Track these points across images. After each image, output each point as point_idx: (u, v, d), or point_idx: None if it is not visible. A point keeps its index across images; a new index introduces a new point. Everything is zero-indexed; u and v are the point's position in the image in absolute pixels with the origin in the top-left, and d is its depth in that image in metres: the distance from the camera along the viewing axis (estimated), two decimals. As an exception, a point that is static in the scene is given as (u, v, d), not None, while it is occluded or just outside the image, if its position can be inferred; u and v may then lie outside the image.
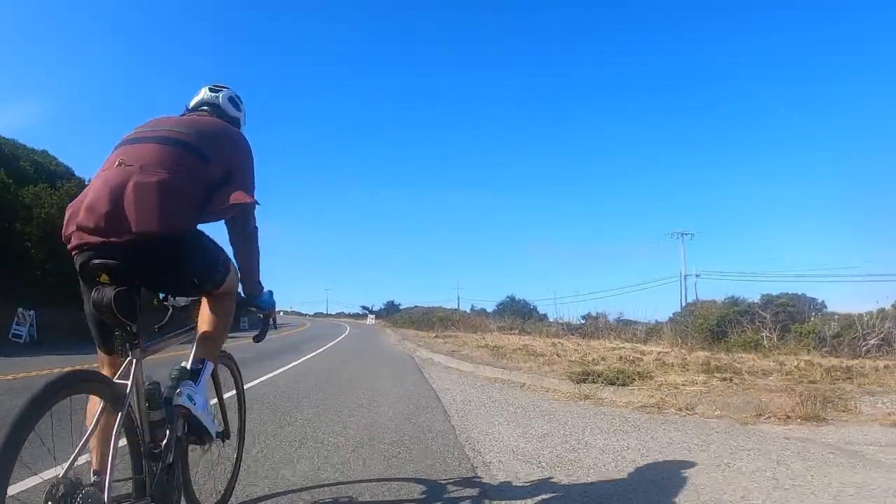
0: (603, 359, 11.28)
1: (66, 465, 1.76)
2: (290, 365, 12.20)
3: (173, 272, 2.24)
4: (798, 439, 4.93)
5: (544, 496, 3.43)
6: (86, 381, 1.93)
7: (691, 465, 4.08)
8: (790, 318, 20.90)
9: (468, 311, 68.52)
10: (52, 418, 1.74)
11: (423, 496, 3.46)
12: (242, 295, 2.70)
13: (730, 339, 18.96)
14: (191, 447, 2.53)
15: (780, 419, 5.78)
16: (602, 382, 7.63)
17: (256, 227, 2.58)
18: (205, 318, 2.54)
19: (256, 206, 2.49)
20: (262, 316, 2.85)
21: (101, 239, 2.02)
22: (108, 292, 2.00)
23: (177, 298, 2.64)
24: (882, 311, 18.27)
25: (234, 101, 2.85)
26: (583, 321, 31.30)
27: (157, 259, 2.11)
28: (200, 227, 2.33)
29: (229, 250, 2.57)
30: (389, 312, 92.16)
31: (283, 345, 20.07)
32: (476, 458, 4.25)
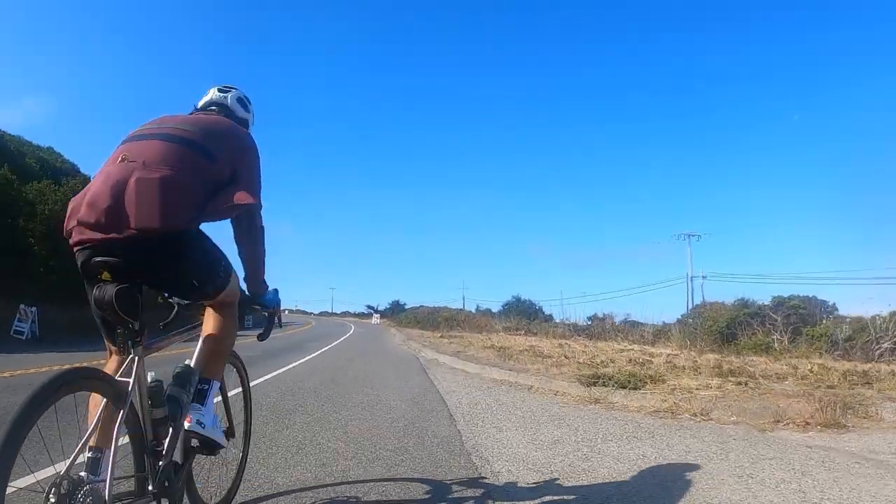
0: (612, 361, 11.07)
1: (67, 463, 1.76)
2: (293, 364, 12.03)
3: (173, 271, 2.20)
4: (820, 448, 4.73)
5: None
6: (86, 379, 1.90)
7: (712, 476, 3.86)
8: (801, 321, 20.64)
9: (473, 311, 68.52)
10: (57, 415, 1.75)
11: (427, 496, 3.42)
12: (247, 293, 2.69)
13: (740, 342, 18.71)
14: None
15: (799, 426, 5.57)
16: (613, 386, 7.39)
17: (262, 227, 2.57)
18: (208, 334, 2.50)
19: (261, 206, 2.49)
20: (267, 314, 2.84)
21: (101, 235, 2.00)
22: (110, 289, 1.99)
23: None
24: (895, 314, 18.01)
25: (243, 101, 2.84)
26: (589, 322, 31.17)
27: (157, 257, 2.08)
28: (204, 228, 2.31)
29: (234, 250, 2.57)
30: (395, 312, 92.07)
31: (286, 343, 19.95)
32: (484, 467, 4.05)
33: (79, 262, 2.08)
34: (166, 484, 2.21)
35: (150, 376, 2.21)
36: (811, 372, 9.16)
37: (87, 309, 2.13)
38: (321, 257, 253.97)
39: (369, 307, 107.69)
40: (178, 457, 2.37)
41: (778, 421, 5.69)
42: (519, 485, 3.66)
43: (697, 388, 7.24)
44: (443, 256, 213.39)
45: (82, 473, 1.86)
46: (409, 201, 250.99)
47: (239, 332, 2.66)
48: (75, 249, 2.08)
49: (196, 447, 2.43)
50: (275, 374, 9.92)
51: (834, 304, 31.07)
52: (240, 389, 3.23)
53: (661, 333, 23.06)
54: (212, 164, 2.28)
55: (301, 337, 27.15)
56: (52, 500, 1.67)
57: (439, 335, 27.20)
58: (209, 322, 2.53)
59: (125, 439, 2.07)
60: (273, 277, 2.74)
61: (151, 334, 2.27)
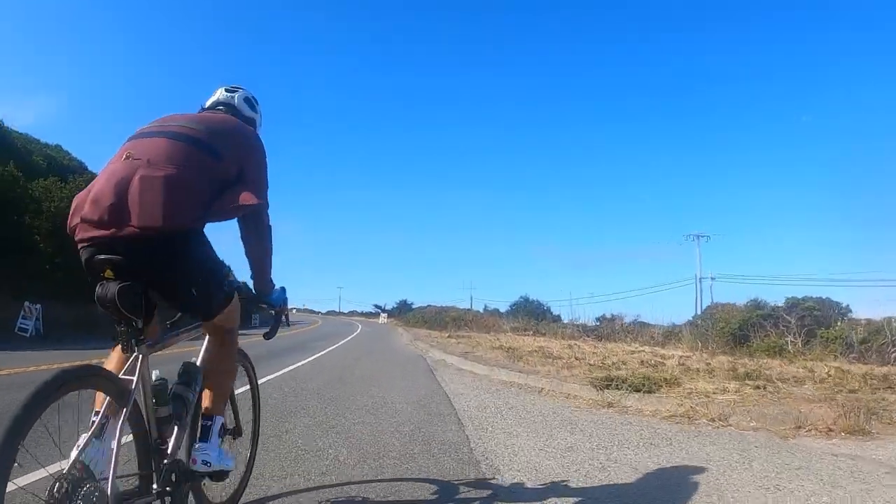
0: (624, 363, 10.84)
1: (70, 461, 1.76)
2: (298, 364, 11.88)
3: (174, 270, 2.16)
4: (846, 456, 4.49)
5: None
6: (87, 377, 1.90)
7: (737, 488, 3.63)
8: (815, 323, 20.26)
9: (481, 311, 68.19)
10: (60, 413, 1.78)
11: (434, 497, 3.38)
12: (254, 291, 2.67)
13: (752, 344, 18.37)
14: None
15: (821, 432, 5.32)
16: (626, 389, 7.15)
17: (269, 226, 2.54)
18: (207, 367, 2.47)
19: (267, 206, 2.47)
20: (273, 313, 2.82)
21: (104, 232, 2.00)
22: (112, 287, 1.99)
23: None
24: (910, 316, 17.65)
25: (250, 101, 2.83)
26: (597, 323, 30.87)
27: (159, 255, 2.06)
28: (209, 229, 2.29)
29: (241, 249, 2.55)
30: (402, 311, 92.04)
31: (292, 343, 19.84)
32: (494, 478, 3.83)
33: (83, 260, 2.08)
34: (171, 483, 2.21)
35: (154, 374, 2.22)
36: (829, 375, 8.88)
37: (93, 306, 2.11)
38: (329, 256, 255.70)
39: (377, 306, 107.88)
40: (182, 456, 2.36)
41: (800, 427, 5.44)
42: (531, 495, 3.45)
43: (714, 392, 6.99)
44: (451, 256, 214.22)
45: (86, 470, 1.81)
46: (417, 201, 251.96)
47: (245, 331, 2.61)
48: (79, 246, 2.07)
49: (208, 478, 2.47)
50: (279, 373, 9.76)
51: (847, 305, 30.59)
52: (248, 387, 3.24)
53: (671, 335, 22.75)
54: (218, 163, 2.26)
55: (307, 336, 27.09)
56: (55, 497, 1.67)
57: (447, 335, 27.04)
58: (209, 356, 2.49)
59: (129, 437, 2.05)
60: (280, 276, 2.71)
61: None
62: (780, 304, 25.13)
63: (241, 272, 2.77)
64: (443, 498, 3.38)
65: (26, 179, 19.72)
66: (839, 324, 19.78)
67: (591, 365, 10.46)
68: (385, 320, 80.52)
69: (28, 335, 16.72)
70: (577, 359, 11.85)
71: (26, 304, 17.11)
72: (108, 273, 2.02)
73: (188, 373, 2.45)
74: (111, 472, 1.82)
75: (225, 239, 2.54)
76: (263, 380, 8.47)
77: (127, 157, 2.13)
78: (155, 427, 2.18)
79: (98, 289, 2.02)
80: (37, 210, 19.22)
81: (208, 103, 2.77)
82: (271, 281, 2.67)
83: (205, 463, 2.35)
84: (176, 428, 2.29)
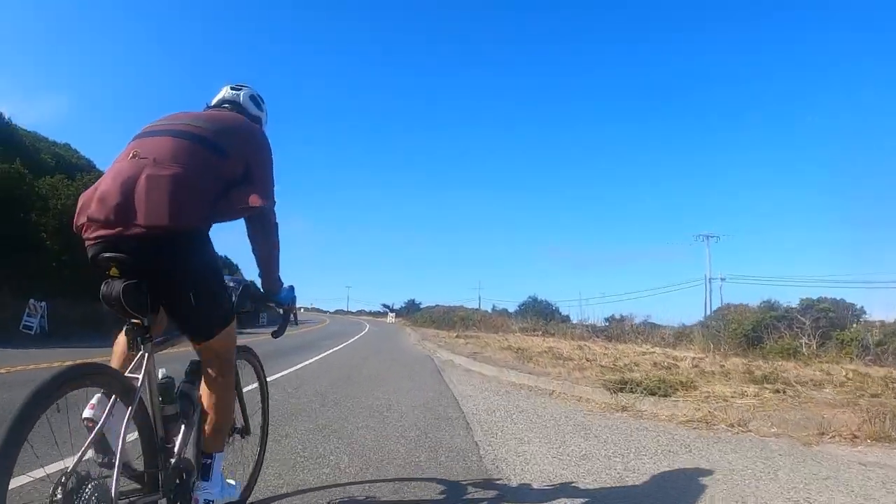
0: (636, 364, 10.60)
1: (75, 459, 1.74)
2: (304, 364, 11.74)
3: (176, 271, 2.12)
4: (875, 465, 4.27)
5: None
6: (92, 375, 1.89)
7: (765, 500, 3.41)
8: (830, 325, 19.94)
9: (489, 311, 68.06)
10: (66, 411, 1.76)
11: (441, 497, 3.33)
12: (262, 290, 2.68)
13: (766, 346, 18.11)
14: None
15: (846, 439, 5.09)
16: (641, 392, 6.91)
17: (276, 223, 2.52)
18: (205, 409, 2.36)
19: (274, 205, 2.46)
20: (281, 311, 2.81)
21: (110, 231, 1.99)
22: (117, 285, 1.99)
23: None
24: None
25: (256, 99, 2.82)
26: (606, 323, 30.67)
27: (164, 255, 2.06)
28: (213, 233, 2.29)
29: (247, 247, 2.55)
30: (410, 311, 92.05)
31: (300, 342, 19.75)
32: (501, 479, 3.67)
33: (89, 257, 2.08)
34: (177, 482, 2.21)
35: (160, 372, 2.23)
36: (848, 379, 8.62)
37: (99, 304, 2.11)
38: (338, 256, 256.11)
39: (385, 306, 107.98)
40: (189, 455, 2.35)
41: (823, 433, 5.21)
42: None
43: (732, 396, 6.74)
44: (459, 256, 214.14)
45: (90, 469, 1.82)
46: (426, 201, 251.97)
47: (253, 330, 2.48)
48: (86, 245, 2.07)
49: None
50: (284, 373, 9.61)
51: (862, 307, 30.14)
52: (256, 385, 3.22)
53: (682, 336, 22.52)
54: (224, 161, 2.25)
55: (315, 335, 27.04)
56: (59, 495, 1.66)
57: (455, 335, 26.88)
58: (205, 393, 2.35)
59: (134, 435, 2.05)
60: (288, 275, 2.70)
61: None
62: (793, 306, 24.76)
63: (249, 271, 2.63)
64: (450, 498, 3.32)
65: (34, 177, 19.68)
66: (854, 326, 19.44)
67: (602, 367, 10.22)
68: (393, 320, 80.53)
69: (33, 333, 16.64)
70: (588, 360, 11.62)
71: (31, 301, 17.01)
72: (114, 271, 2.02)
73: (195, 371, 2.42)
74: (116, 470, 1.81)
75: (232, 238, 2.42)
76: (269, 379, 8.30)
77: (133, 156, 2.12)
78: (161, 425, 2.18)
79: (103, 287, 2.02)
80: (43, 207, 19.15)
81: (214, 101, 2.75)
82: (279, 279, 2.67)
83: (207, 502, 2.32)
84: (183, 426, 2.29)
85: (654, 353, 14.16)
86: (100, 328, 17.71)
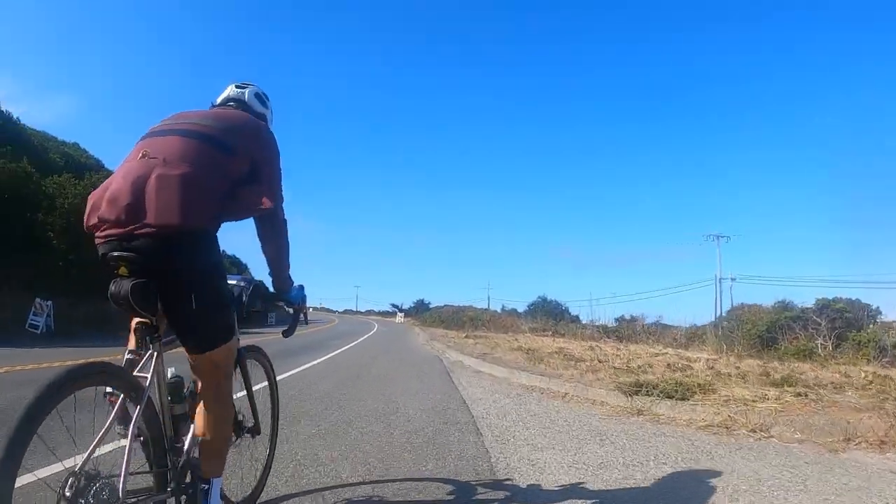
0: (650, 366, 10.35)
1: (83, 457, 1.76)
2: (311, 364, 11.60)
3: (182, 270, 2.10)
4: (907, 473, 4.01)
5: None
6: (99, 374, 1.88)
7: (798, 515, 3.20)
8: (847, 325, 19.56)
9: (499, 311, 67.85)
10: (74, 409, 1.77)
11: (450, 497, 3.30)
12: (272, 289, 2.69)
13: (780, 347, 17.76)
14: None
15: (873, 445, 4.86)
16: (657, 395, 6.68)
17: (285, 220, 2.53)
18: (202, 425, 2.30)
19: (283, 200, 2.47)
20: (291, 311, 2.82)
21: (121, 230, 2.00)
22: (126, 284, 1.99)
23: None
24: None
25: (261, 97, 2.81)
26: (616, 323, 30.41)
27: (173, 254, 2.05)
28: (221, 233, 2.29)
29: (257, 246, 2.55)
30: (419, 311, 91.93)
31: (308, 341, 19.65)
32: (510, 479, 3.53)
33: (100, 256, 2.08)
34: (186, 481, 2.22)
35: (170, 372, 2.24)
36: (870, 382, 8.36)
37: (106, 303, 2.13)
38: (347, 255, 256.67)
39: (394, 306, 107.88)
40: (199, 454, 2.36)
41: (849, 439, 4.97)
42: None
43: (753, 400, 6.50)
44: (468, 256, 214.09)
45: (98, 468, 1.81)
46: (435, 201, 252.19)
47: (261, 330, 2.35)
48: (97, 243, 2.08)
49: None
50: (290, 373, 9.46)
51: (878, 307, 29.71)
52: (266, 383, 3.24)
53: (694, 336, 22.20)
54: (231, 159, 2.26)
55: (324, 335, 26.94)
56: (68, 494, 1.67)
57: (464, 335, 26.69)
58: (202, 417, 2.29)
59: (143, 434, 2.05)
60: (297, 275, 2.71)
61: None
62: (808, 306, 24.35)
63: (258, 271, 2.49)
64: (459, 499, 3.30)
65: (41, 176, 19.64)
66: (871, 327, 19.06)
67: (615, 368, 9.98)
68: (402, 320, 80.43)
69: (39, 332, 16.58)
70: (600, 361, 11.38)
71: (37, 300, 16.95)
72: (123, 270, 2.02)
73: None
74: (124, 468, 1.82)
75: (240, 237, 2.32)
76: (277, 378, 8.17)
77: (143, 156, 2.13)
78: (170, 425, 2.20)
79: (112, 286, 2.03)
80: (50, 206, 19.11)
81: (219, 100, 2.75)
82: (290, 278, 2.68)
83: None
84: (192, 426, 2.30)
85: (666, 353, 13.92)
86: (105, 327, 17.71)
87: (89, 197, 2.17)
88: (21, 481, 1.53)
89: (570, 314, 52.57)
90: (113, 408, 1.91)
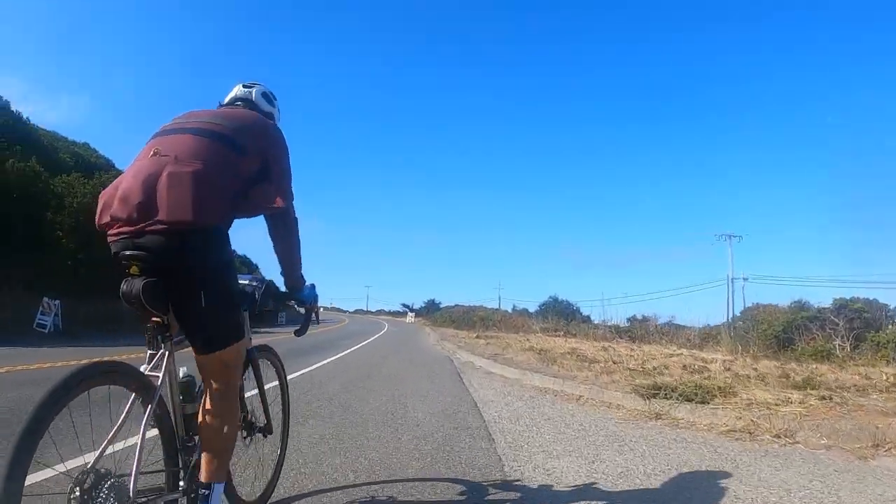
0: (666, 367, 10.11)
1: (94, 456, 1.77)
2: (320, 364, 11.48)
3: (194, 267, 2.08)
4: (944, 483, 3.79)
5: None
6: (109, 373, 1.89)
7: (834, 531, 3.00)
8: (865, 326, 19.17)
9: (510, 310, 67.54)
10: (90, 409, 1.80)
11: (461, 498, 3.28)
12: (283, 289, 2.70)
13: (797, 348, 17.43)
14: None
15: (903, 451, 4.62)
16: (677, 398, 6.46)
17: (296, 218, 2.54)
18: (207, 427, 2.24)
19: (293, 199, 2.48)
20: (303, 310, 2.81)
21: (132, 228, 2.00)
22: (137, 283, 1.99)
23: None
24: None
25: (268, 96, 2.83)
26: (628, 324, 30.13)
27: (185, 252, 2.04)
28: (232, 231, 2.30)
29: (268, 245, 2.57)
30: (430, 311, 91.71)
31: (319, 341, 19.60)
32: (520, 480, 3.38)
33: (112, 254, 2.09)
34: (198, 480, 2.20)
35: (181, 371, 2.25)
36: (893, 384, 8.10)
37: (114, 302, 2.03)
38: (357, 255, 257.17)
39: (404, 305, 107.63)
40: None
41: (877, 445, 4.74)
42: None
43: (776, 404, 6.27)
44: (479, 256, 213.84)
45: (109, 467, 1.81)
46: (446, 200, 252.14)
47: (271, 329, 2.25)
48: (109, 242, 2.08)
49: None
50: (298, 374, 9.32)
51: (895, 307, 29.10)
52: (276, 383, 3.25)
53: (708, 337, 21.86)
54: (242, 158, 2.27)
55: (334, 335, 26.94)
56: (78, 492, 1.68)
57: (475, 335, 26.49)
58: (207, 415, 2.23)
59: (155, 433, 2.07)
60: (308, 275, 2.71)
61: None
62: (825, 306, 23.89)
63: (269, 270, 2.36)
64: (471, 499, 3.27)
65: (51, 175, 19.65)
66: (890, 327, 18.64)
67: (630, 370, 9.74)
68: (412, 319, 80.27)
69: (46, 331, 16.53)
70: (614, 362, 11.14)
71: (45, 299, 16.89)
72: (134, 269, 2.02)
73: None
74: (135, 467, 1.83)
75: (251, 236, 2.28)
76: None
77: (154, 154, 2.13)
78: (182, 424, 2.20)
79: (123, 285, 2.03)
80: (59, 206, 19.13)
81: (227, 99, 2.76)
82: (302, 277, 2.67)
83: None
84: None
85: (681, 354, 13.69)
86: (112, 327, 17.68)
87: (101, 195, 2.16)
88: (32, 479, 1.53)
89: (581, 314, 52.23)
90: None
